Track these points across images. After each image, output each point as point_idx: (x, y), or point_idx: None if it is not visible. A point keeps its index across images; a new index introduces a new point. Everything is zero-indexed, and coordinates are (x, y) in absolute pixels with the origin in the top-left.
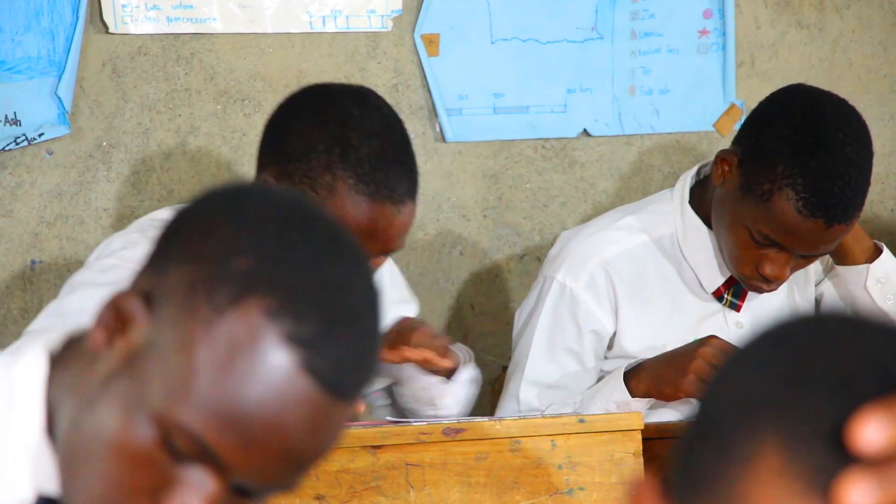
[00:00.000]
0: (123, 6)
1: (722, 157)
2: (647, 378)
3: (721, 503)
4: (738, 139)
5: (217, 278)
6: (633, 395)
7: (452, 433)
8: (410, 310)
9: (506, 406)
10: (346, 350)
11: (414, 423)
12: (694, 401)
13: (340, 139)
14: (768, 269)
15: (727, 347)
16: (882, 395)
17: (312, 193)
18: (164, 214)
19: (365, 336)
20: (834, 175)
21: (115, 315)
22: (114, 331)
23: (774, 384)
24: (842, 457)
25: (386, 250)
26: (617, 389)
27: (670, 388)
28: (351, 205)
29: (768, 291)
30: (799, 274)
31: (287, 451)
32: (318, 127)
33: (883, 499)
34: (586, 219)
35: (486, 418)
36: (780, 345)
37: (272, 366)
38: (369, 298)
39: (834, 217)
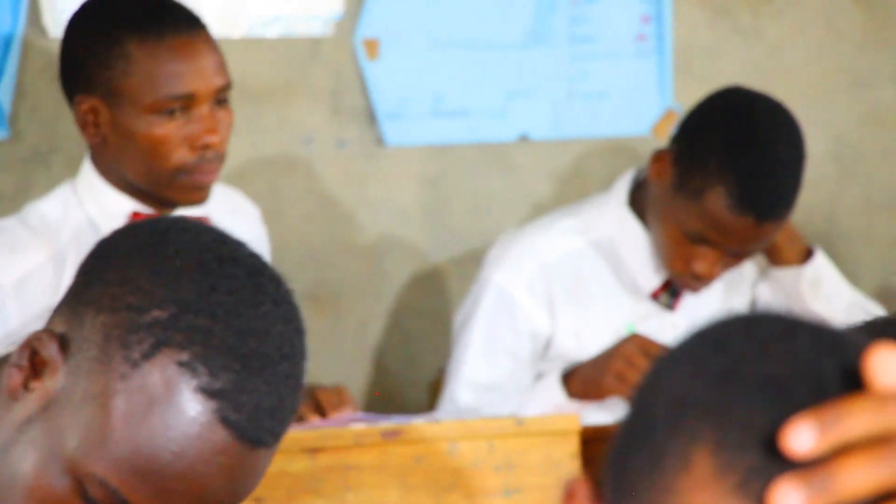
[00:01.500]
0: (63, 11)
1: (657, 155)
2: (578, 379)
3: None
4: (674, 138)
5: (133, 330)
6: (569, 397)
7: (391, 436)
8: None
9: (443, 407)
10: (263, 399)
11: (352, 427)
12: (626, 401)
13: (99, 10)
14: (699, 267)
15: (648, 345)
16: (815, 398)
17: (119, 80)
18: (33, 211)
19: (282, 381)
20: (765, 173)
21: (32, 357)
22: (29, 374)
23: (707, 386)
24: (775, 461)
25: (210, 71)
26: (553, 391)
27: (594, 388)
28: (154, 53)
29: (700, 289)
30: (735, 275)
31: (204, 500)
32: (83, 25)
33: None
34: (525, 222)
35: (423, 419)
36: (713, 346)
37: (187, 418)
38: (288, 340)
39: (764, 214)
